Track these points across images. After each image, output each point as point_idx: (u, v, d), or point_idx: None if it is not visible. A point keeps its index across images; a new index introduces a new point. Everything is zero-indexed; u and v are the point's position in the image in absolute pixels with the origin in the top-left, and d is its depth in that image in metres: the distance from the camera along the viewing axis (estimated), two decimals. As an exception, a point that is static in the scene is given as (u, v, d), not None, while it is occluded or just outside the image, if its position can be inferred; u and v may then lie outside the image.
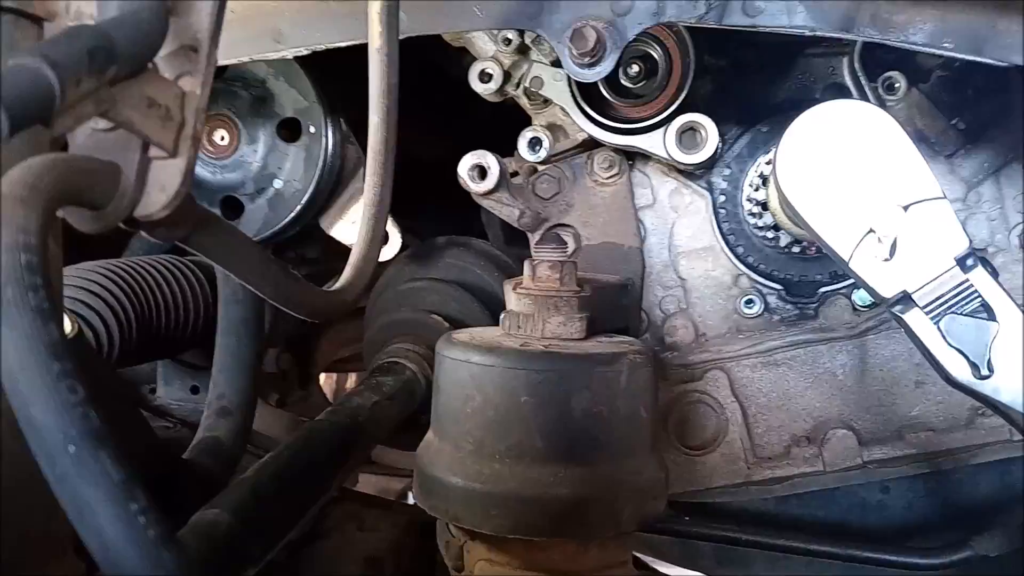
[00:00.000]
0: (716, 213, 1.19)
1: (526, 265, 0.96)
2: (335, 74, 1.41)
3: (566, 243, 1.18)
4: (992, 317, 0.83)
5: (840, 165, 0.89)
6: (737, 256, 1.18)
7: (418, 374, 1.24)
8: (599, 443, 0.85)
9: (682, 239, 1.20)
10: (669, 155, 1.13)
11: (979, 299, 0.83)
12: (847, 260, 0.87)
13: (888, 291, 0.86)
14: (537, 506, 0.83)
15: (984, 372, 0.83)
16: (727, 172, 1.19)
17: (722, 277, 1.19)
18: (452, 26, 1.12)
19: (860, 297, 1.15)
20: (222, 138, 1.38)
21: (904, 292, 0.85)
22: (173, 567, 0.40)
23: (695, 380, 1.15)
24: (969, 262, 0.84)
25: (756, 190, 1.16)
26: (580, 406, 0.84)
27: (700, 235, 1.20)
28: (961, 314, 0.84)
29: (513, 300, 0.95)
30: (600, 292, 1.01)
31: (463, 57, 1.35)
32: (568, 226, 1.23)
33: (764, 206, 1.14)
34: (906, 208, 0.86)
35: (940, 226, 0.85)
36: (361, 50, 1.00)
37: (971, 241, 0.84)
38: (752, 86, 1.22)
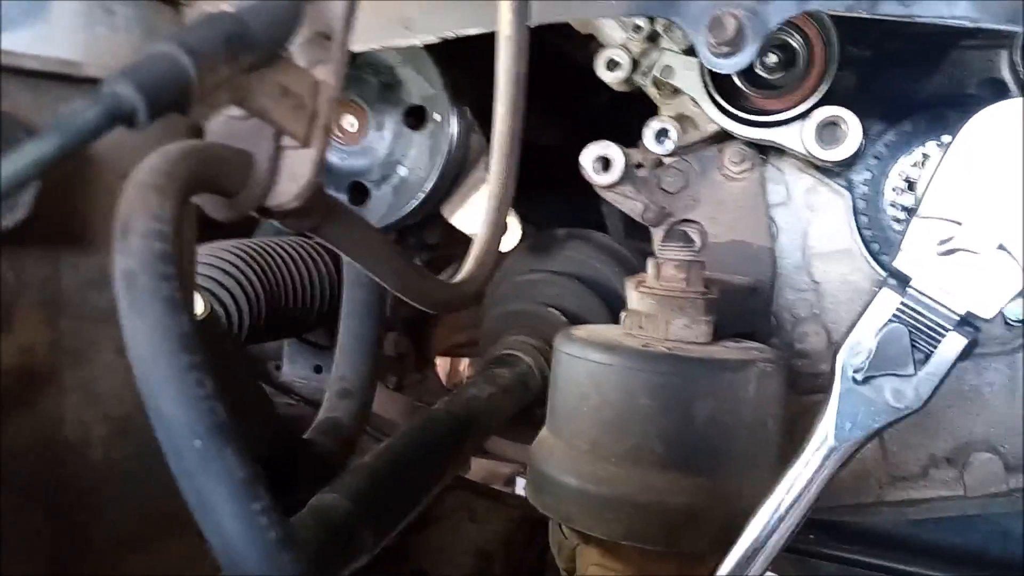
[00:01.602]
0: (855, 213, 1.12)
1: (650, 263, 0.93)
2: (461, 62, 1.41)
3: (694, 241, 1.15)
4: (915, 368, 0.77)
5: (1003, 164, 0.82)
6: (877, 260, 1.10)
7: (533, 367, 1.23)
8: (721, 453, 0.81)
9: (817, 240, 1.14)
10: (807, 150, 1.07)
11: (933, 351, 0.76)
12: (918, 214, 0.79)
13: (904, 265, 0.78)
14: (652, 514, 0.80)
15: (860, 379, 0.78)
16: (869, 170, 1.12)
17: (860, 282, 1.12)
18: (583, 14, 1.09)
19: (1012, 311, 1.06)
20: (351, 124, 1.40)
21: (909, 279, 0.78)
22: (292, 569, 0.39)
23: (826, 391, 1.09)
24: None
25: (900, 192, 1.09)
26: (703, 413, 0.80)
27: (837, 236, 1.13)
28: (909, 337, 0.77)
29: (635, 299, 0.92)
30: (727, 294, 0.97)
31: (587, 43, 1.32)
32: (694, 222, 1.18)
33: (909, 212, 1.07)
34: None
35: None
36: (488, 38, 0.98)
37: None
38: (899, 79, 1.14)
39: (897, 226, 1.09)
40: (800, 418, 1.09)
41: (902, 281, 0.78)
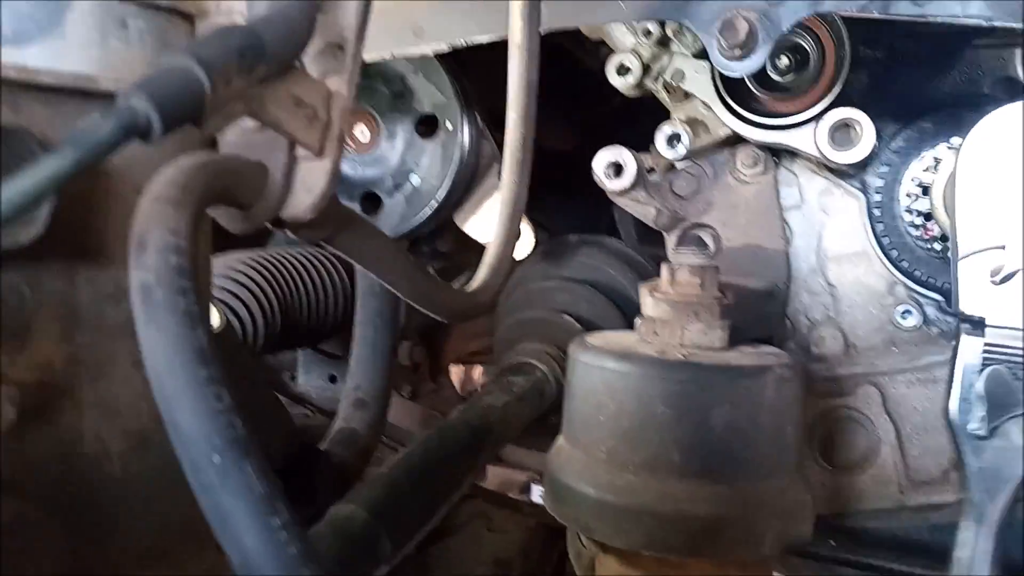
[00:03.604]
0: (870, 215, 1.11)
1: (664, 268, 0.92)
2: (472, 69, 1.41)
3: (708, 246, 1.14)
4: None
5: (1017, 171, 0.81)
6: (893, 262, 1.10)
7: (548, 375, 1.22)
8: (740, 460, 0.80)
9: (832, 242, 1.13)
10: (820, 153, 1.06)
11: None
12: (959, 256, 0.80)
13: (971, 309, 0.78)
14: (672, 523, 0.79)
15: (985, 433, 0.76)
16: (883, 171, 1.11)
17: (876, 284, 1.11)
18: (594, 19, 1.09)
19: (1033, 312, 1.05)
20: (363, 134, 1.40)
21: (983, 320, 0.77)
22: (312, 585, 0.39)
23: (844, 395, 1.08)
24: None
25: (915, 198, 1.08)
26: (721, 420, 0.80)
27: (852, 238, 1.12)
28: (1011, 374, 0.76)
29: (650, 305, 0.91)
30: (743, 298, 0.96)
31: (598, 49, 1.32)
32: (707, 226, 1.18)
33: (927, 216, 1.06)
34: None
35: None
36: (498, 45, 0.98)
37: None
38: (911, 79, 1.14)
39: (911, 220, 1.08)
40: (819, 423, 1.08)
41: (977, 324, 0.77)
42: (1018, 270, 0.77)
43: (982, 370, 0.77)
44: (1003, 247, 0.78)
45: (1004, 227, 0.78)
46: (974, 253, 0.79)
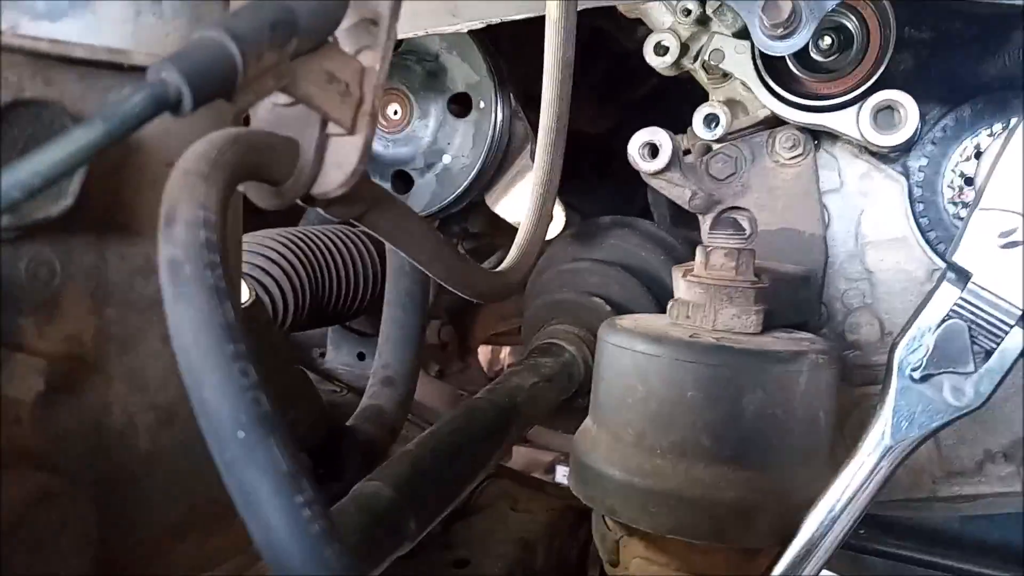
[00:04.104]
0: (912, 201, 1.08)
1: (698, 251, 0.91)
2: (506, 48, 1.39)
3: (744, 229, 1.12)
4: (975, 365, 0.74)
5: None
6: (934, 249, 1.07)
7: (577, 357, 1.22)
8: (771, 447, 0.79)
9: (871, 227, 1.10)
10: (862, 135, 1.04)
11: (995, 347, 0.74)
12: (977, 207, 0.77)
13: (963, 260, 0.75)
14: (700, 508, 0.79)
15: (917, 377, 0.75)
16: (926, 156, 1.08)
17: (915, 271, 1.08)
18: (631, -3, 1.07)
19: (1077, 301, 1.02)
20: (395, 112, 1.39)
21: (970, 275, 0.75)
22: (335, 564, 0.39)
23: (878, 383, 1.06)
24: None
25: (958, 190, 1.05)
26: (752, 406, 0.79)
27: (892, 224, 1.10)
28: (969, 334, 0.74)
29: (683, 288, 0.90)
30: (778, 283, 0.95)
31: (635, 29, 1.30)
32: (743, 209, 1.16)
33: (968, 205, 1.03)
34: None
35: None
36: (533, 23, 0.97)
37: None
38: (957, 62, 1.10)
39: (955, 209, 1.06)
40: (852, 411, 1.07)
41: (962, 276, 0.75)
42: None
43: (944, 320, 0.75)
44: (1022, 214, 0.76)
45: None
46: (994, 209, 0.76)
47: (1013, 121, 0.98)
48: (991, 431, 1.04)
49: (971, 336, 0.75)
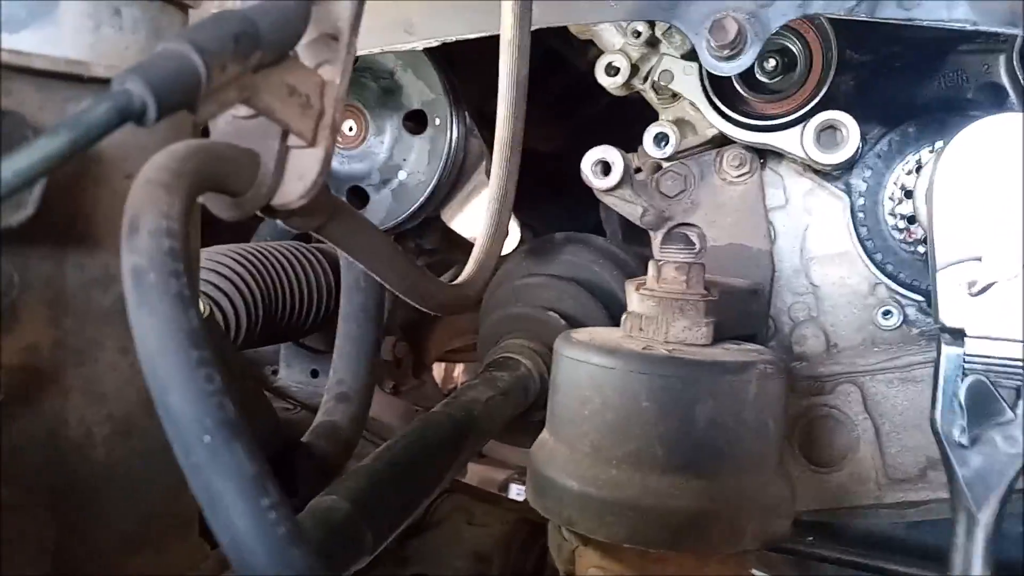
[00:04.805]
0: (854, 217, 1.12)
1: (651, 265, 0.93)
2: (461, 66, 1.41)
3: (694, 244, 1.15)
4: (1012, 407, 0.77)
5: (996, 182, 0.83)
6: (875, 263, 1.11)
7: (533, 371, 1.23)
8: (723, 456, 0.81)
9: (816, 243, 1.14)
10: (806, 154, 1.07)
11: (1021, 383, 0.77)
12: (936, 268, 0.81)
13: (950, 320, 0.79)
14: (655, 517, 0.80)
15: (967, 443, 0.78)
16: (867, 174, 1.13)
17: (858, 285, 1.12)
18: (584, 18, 1.10)
19: (1011, 313, 1.07)
20: (350, 128, 1.40)
21: (962, 331, 0.78)
22: (302, 566, 0.39)
23: (824, 393, 1.09)
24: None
25: (898, 202, 1.09)
26: (704, 415, 0.80)
27: (835, 239, 1.13)
28: (991, 383, 0.77)
29: (636, 301, 0.92)
30: (727, 296, 0.97)
31: (587, 49, 1.32)
32: (693, 226, 1.19)
33: (910, 219, 1.08)
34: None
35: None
36: (488, 42, 0.98)
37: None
38: (897, 84, 1.15)
39: (894, 221, 1.10)
40: (800, 421, 1.09)
41: (956, 335, 0.78)
42: (994, 282, 0.78)
43: (963, 379, 0.78)
44: (979, 259, 0.79)
45: (980, 239, 0.80)
46: (951, 264, 0.80)
47: (925, 183, 1.02)
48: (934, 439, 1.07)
49: (993, 384, 0.77)
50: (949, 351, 0.79)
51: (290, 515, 0.40)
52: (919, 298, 1.10)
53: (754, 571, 1.04)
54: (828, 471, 1.09)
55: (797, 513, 0.91)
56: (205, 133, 0.63)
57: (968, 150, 0.83)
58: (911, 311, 1.11)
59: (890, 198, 1.11)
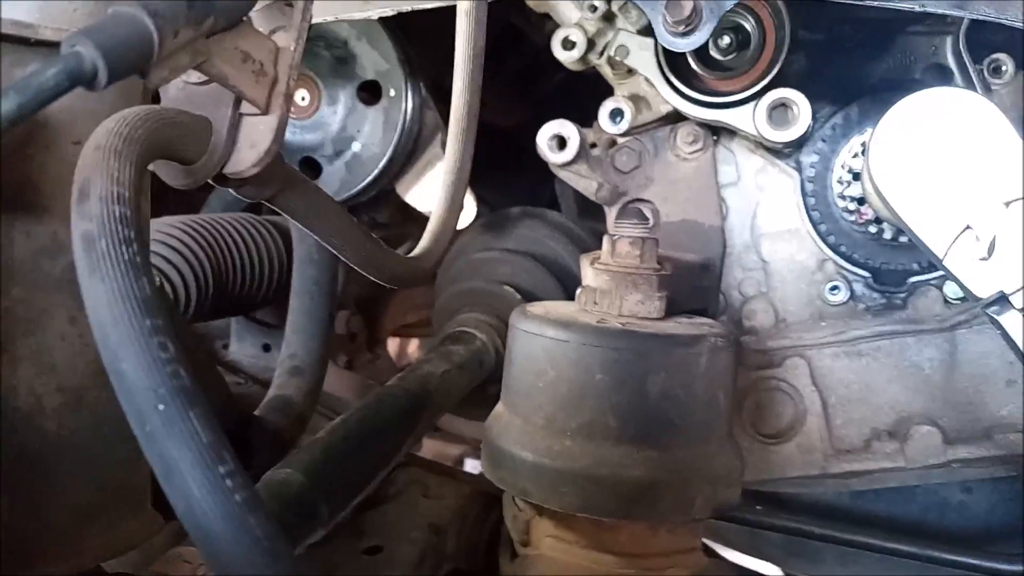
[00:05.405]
0: (804, 194, 1.14)
1: (605, 240, 0.93)
2: (416, 36, 1.40)
3: (648, 219, 1.16)
4: None
5: (939, 157, 0.86)
6: (824, 240, 1.13)
7: (488, 344, 1.23)
8: (674, 427, 0.83)
9: (766, 219, 1.16)
10: (758, 131, 1.09)
11: None
12: (941, 257, 0.84)
13: (984, 291, 0.82)
14: (608, 486, 0.81)
15: None
16: (817, 152, 1.14)
17: (806, 261, 1.14)
18: (542, -10, 1.09)
19: (952, 290, 1.10)
20: (303, 98, 1.38)
21: (1001, 293, 0.81)
22: (259, 532, 0.39)
23: (773, 366, 1.11)
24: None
25: (847, 184, 1.11)
26: (656, 387, 0.82)
27: (785, 216, 1.15)
28: None
29: (590, 275, 0.93)
30: (679, 271, 0.99)
31: (543, 23, 1.32)
32: (647, 201, 1.19)
33: (859, 201, 1.10)
34: (1008, 204, 0.82)
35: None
36: (444, 12, 0.98)
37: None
38: (847, 63, 1.17)
39: (843, 203, 1.12)
40: (749, 393, 1.12)
41: (1001, 301, 0.81)
42: (994, 236, 0.81)
43: None
44: (968, 227, 0.82)
45: (956, 209, 0.83)
46: (950, 247, 0.83)
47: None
48: (877, 411, 1.10)
49: None
50: (1006, 318, 0.82)
51: (248, 482, 0.40)
52: (865, 274, 1.12)
53: (704, 540, 1.06)
54: (776, 442, 1.11)
55: (746, 483, 0.93)
56: (156, 99, 0.61)
57: (900, 134, 0.85)
58: (858, 287, 1.13)
59: (839, 181, 1.13)
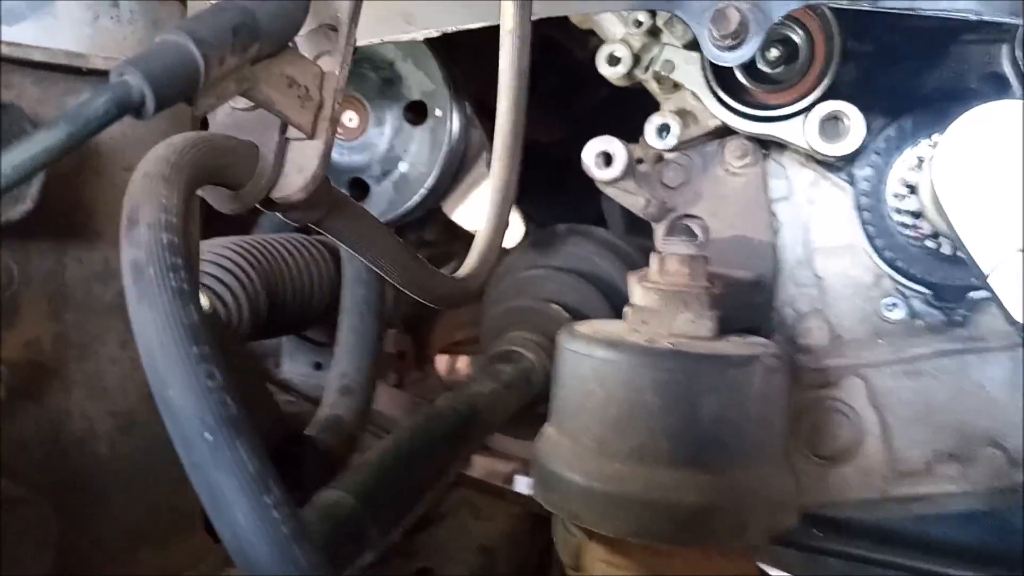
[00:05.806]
0: (858, 208, 1.11)
1: (653, 257, 0.92)
2: (461, 57, 1.40)
3: (697, 235, 1.14)
4: None
5: (1003, 172, 0.83)
6: (879, 255, 1.10)
7: (536, 364, 1.22)
8: (728, 450, 0.81)
9: (819, 234, 1.13)
10: (809, 145, 1.06)
11: None
12: (986, 275, 0.81)
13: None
14: (660, 511, 0.80)
15: None
16: (871, 164, 1.11)
17: (862, 277, 1.11)
18: (586, 8, 1.09)
19: (1016, 306, 1.06)
20: (350, 120, 1.39)
21: None
22: (305, 564, 0.39)
23: (829, 386, 1.08)
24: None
25: (903, 198, 1.08)
26: (709, 409, 0.80)
27: (839, 231, 1.12)
28: None
29: (639, 293, 0.91)
30: (731, 288, 0.97)
31: (587, 39, 1.32)
32: (695, 217, 1.18)
33: (916, 215, 1.07)
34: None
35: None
36: (489, 32, 0.98)
37: None
38: (900, 74, 1.14)
39: (899, 217, 1.09)
40: (804, 413, 1.09)
41: None
42: None
43: None
44: (1020, 248, 0.80)
45: (1010, 229, 0.80)
46: (998, 266, 0.80)
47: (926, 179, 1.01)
48: (939, 432, 1.06)
49: None
50: None
51: (294, 512, 0.40)
52: (924, 290, 1.09)
53: (760, 565, 1.04)
54: (833, 464, 1.08)
55: (803, 507, 0.90)
56: (204, 125, 0.62)
57: (962, 149, 0.83)
58: (916, 303, 1.10)
59: (894, 195, 1.10)
